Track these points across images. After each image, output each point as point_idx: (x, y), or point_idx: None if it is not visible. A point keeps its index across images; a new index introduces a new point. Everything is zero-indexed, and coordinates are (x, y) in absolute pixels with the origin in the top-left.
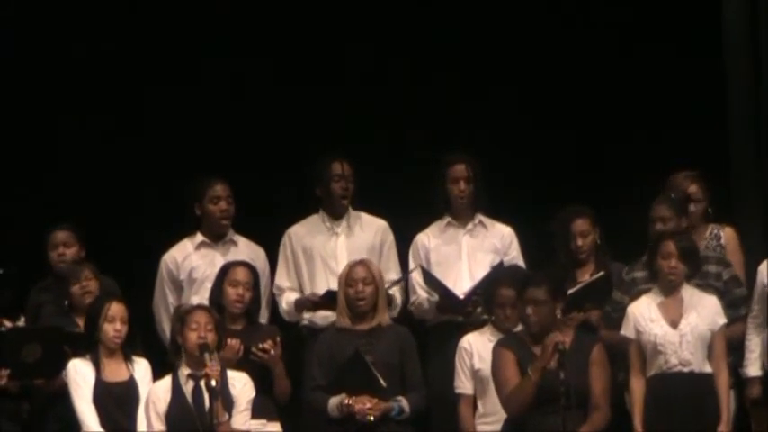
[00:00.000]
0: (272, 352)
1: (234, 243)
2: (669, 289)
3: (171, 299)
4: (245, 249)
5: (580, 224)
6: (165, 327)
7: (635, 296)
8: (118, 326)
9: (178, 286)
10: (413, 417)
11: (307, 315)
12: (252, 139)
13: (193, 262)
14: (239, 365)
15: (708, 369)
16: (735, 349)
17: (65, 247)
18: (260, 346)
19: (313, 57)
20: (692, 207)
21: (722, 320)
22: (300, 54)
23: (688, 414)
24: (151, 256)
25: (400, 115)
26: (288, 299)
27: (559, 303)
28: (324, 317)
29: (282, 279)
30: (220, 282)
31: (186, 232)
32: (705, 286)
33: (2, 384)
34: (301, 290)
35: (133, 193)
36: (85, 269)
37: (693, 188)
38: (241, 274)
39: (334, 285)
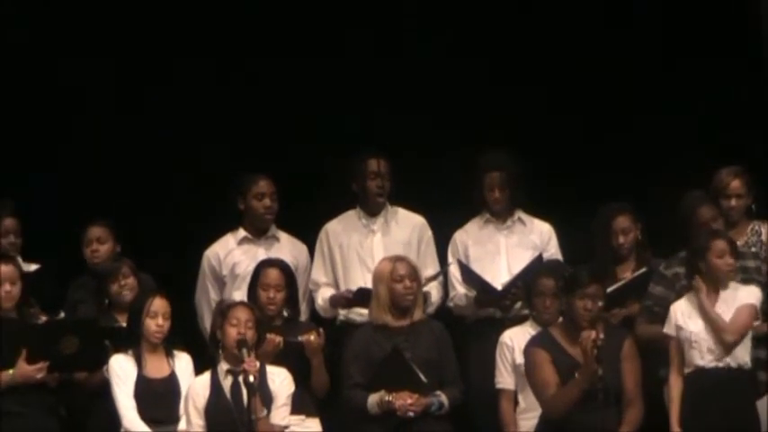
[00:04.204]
0: (313, 340)
1: (276, 239)
2: (722, 285)
3: (213, 294)
4: (288, 245)
5: (621, 221)
6: (207, 322)
7: (680, 293)
8: (160, 321)
9: (220, 282)
10: (451, 411)
11: (343, 311)
12: (288, 133)
13: (236, 257)
14: (277, 360)
15: (746, 362)
16: None
17: (98, 243)
18: (304, 336)
19: (346, 53)
20: (732, 202)
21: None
22: (333, 51)
23: (725, 411)
24: (191, 251)
25: (436, 110)
26: (323, 295)
27: None
28: (360, 313)
29: (319, 274)
30: (254, 283)
31: (226, 227)
32: (749, 281)
33: (41, 378)
34: (337, 286)
35: (172, 188)
36: (123, 267)
37: (736, 183)
38: (272, 276)
39: (369, 282)
